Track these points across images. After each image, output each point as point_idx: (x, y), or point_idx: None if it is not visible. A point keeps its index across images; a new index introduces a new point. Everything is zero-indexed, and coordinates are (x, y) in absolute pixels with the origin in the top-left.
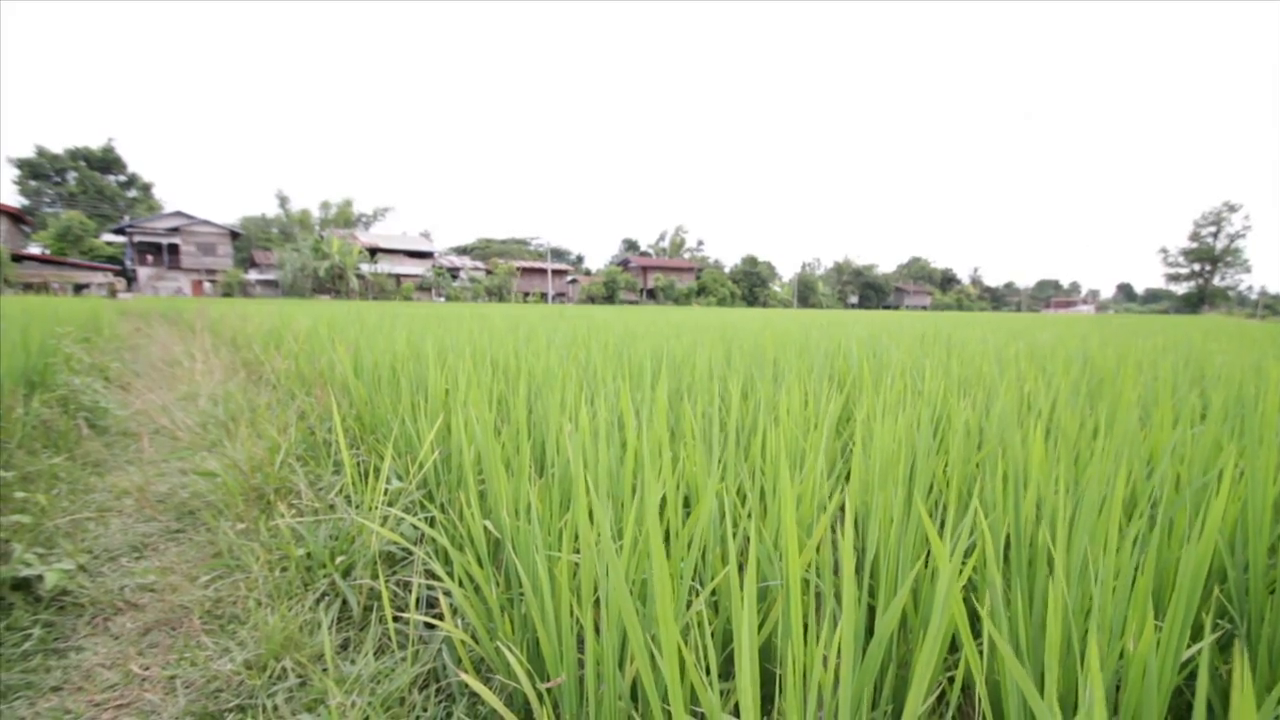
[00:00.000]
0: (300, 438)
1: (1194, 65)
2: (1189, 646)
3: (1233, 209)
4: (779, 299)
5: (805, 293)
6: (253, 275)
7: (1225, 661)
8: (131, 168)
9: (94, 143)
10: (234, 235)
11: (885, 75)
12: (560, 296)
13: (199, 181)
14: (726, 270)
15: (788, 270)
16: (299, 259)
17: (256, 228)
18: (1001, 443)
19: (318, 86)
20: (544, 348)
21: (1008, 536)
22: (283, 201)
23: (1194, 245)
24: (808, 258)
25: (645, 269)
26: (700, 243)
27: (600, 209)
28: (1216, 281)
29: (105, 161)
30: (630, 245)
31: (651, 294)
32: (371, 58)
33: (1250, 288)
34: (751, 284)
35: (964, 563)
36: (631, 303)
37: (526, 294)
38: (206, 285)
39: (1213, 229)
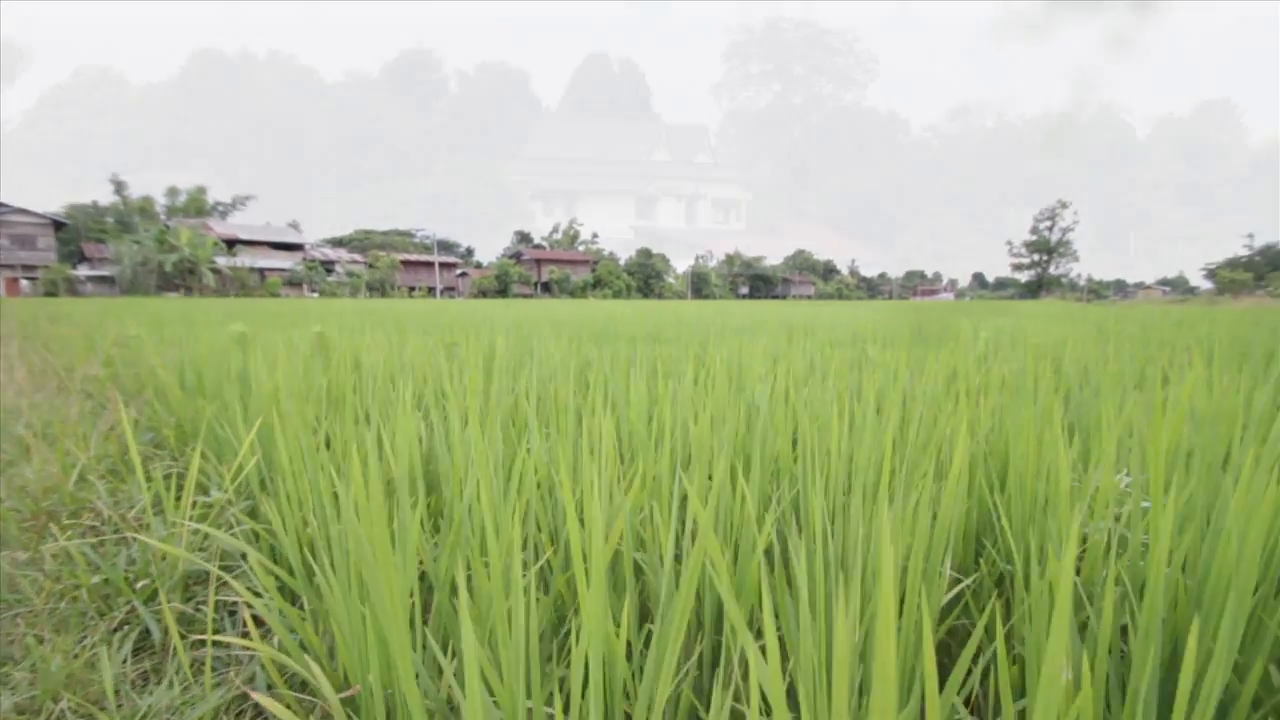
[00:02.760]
0: (108, 451)
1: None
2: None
3: (1064, 205)
4: (674, 291)
5: (699, 284)
6: (83, 271)
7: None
8: None
9: None
10: (58, 225)
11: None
12: (450, 291)
13: (12, 165)
14: (622, 263)
15: (681, 263)
16: (140, 252)
17: (87, 217)
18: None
19: (165, 65)
20: (400, 343)
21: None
22: (119, 187)
23: (1034, 238)
24: (700, 251)
25: (539, 262)
26: (595, 235)
27: (490, 202)
28: (1052, 270)
29: None
30: (523, 238)
31: (546, 287)
32: (223, 38)
33: (1079, 275)
34: (647, 276)
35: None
36: (525, 296)
37: (412, 288)
38: (24, 284)
39: (1049, 223)
